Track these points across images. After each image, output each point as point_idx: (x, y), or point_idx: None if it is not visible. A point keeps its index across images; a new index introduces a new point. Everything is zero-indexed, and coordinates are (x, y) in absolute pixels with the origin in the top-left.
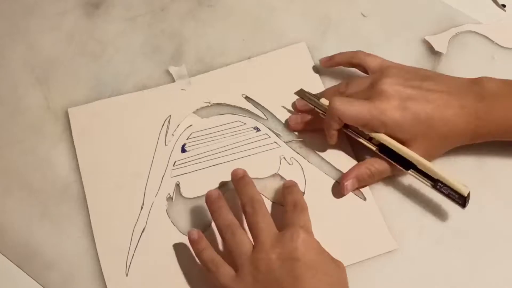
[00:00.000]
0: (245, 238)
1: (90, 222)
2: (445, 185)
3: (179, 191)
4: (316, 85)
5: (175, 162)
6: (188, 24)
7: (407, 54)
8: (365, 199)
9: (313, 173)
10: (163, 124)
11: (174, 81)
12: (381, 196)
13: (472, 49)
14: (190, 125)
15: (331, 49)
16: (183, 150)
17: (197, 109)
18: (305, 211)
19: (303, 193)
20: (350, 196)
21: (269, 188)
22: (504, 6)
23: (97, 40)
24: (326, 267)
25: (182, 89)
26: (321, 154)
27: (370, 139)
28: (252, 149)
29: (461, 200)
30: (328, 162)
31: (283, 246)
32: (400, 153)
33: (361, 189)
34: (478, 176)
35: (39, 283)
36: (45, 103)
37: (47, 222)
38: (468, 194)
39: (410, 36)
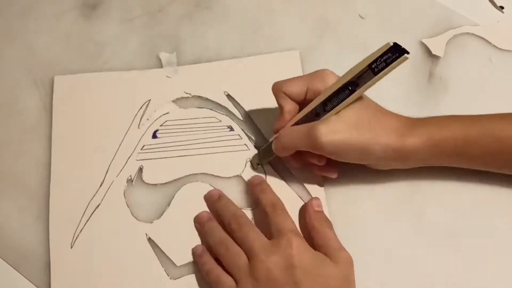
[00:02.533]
0: (239, 251)
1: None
2: (375, 61)
3: (141, 175)
4: None
5: (143, 146)
6: (185, 25)
7: None
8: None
9: (275, 182)
10: (141, 107)
11: (162, 66)
12: (377, 197)
13: (469, 51)
14: (167, 113)
15: (328, 51)
16: (154, 136)
17: (177, 98)
18: (285, 211)
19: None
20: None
21: (230, 189)
22: (502, 7)
23: (94, 41)
24: (322, 269)
25: (167, 76)
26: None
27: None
28: (221, 147)
29: (399, 50)
30: (292, 173)
31: (280, 255)
32: (333, 89)
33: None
34: (477, 176)
35: (35, 285)
36: (41, 105)
37: (43, 224)
38: (395, 44)
39: (408, 38)
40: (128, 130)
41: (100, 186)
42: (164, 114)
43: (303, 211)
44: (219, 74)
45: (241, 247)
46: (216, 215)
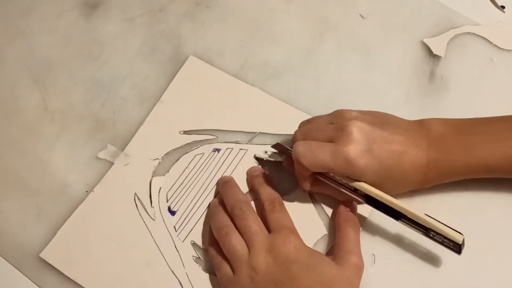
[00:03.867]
0: (240, 241)
1: None
2: (438, 233)
3: (199, 246)
4: (230, 82)
5: (174, 227)
6: (186, 25)
7: (405, 56)
8: None
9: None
10: (136, 204)
11: (112, 163)
12: None
13: (470, 51)
14: (160, 188)
15: (329, 51)
16: (172, 212)
17: (153, 171)
18: (284, 207)
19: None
20: None
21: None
22: (503, 7)
23: (94, 41)
24: (320, 268)
25: (125, 165)
26: (284, 133)
27: (355, 190)
28: (228, 168)
29: (456, 247)
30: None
31: (279, 251)
32: (390, 204)
33: None
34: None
35: (36, 284)
36: (42, 104)
37: (44, 223)
38: (463, 241)
39: (409, 38)
40: (148, 229)
41: (182, 286)
42: (159, 191)
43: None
44: (160, 126)
45: (242, 236)
46: (222, 201)
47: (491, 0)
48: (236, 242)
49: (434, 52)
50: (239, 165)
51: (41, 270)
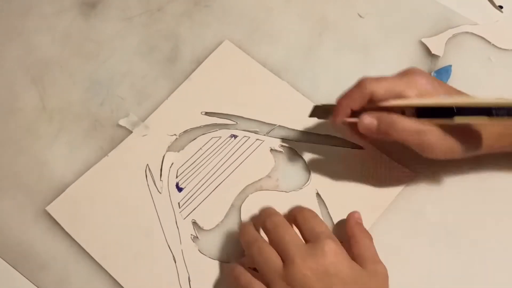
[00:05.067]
0: (273, 254)
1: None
2: (500, 108)
3: (199, 227)
4: (260, 72)
5: (179, 203)
6: (185, 24)
7: (404, 56)
8: (362, 148)
9: (307, 148)
10: (146, 175)
11: (130, 131)
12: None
13: (469, 50)
14: (172, 164)
15: (328, 50)
16: (179, 189)
17: (169, 146)
18: (316, 215)
19: (309, 170)
20: (349, 151)
21: (265, 188)
22: (501, 7)
23: (93, 40)
24: (360, 281)
25: (143, 136)
26: (301, 128)
27: (403, 113)
28: (241, 156)
29: None
30: (313, 133)
31: (317, 262)
32: (440, 105)
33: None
34: (475, 177)
35: (33, 283)
36: (40, 104)
37: (42, 222)
38: None
39: (407, 37)
40: (154, 202)
41: (175, 262)
42: (171, 167)
43: (343, 222)
44: (183, 103)
45: (276, 249)
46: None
47: (489, 0)
48: (270, 253)
49: (433, 52)
50: (253, 155)
51: (38, 269)
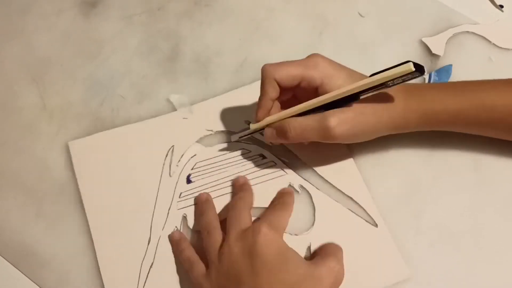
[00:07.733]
0: (219, 237)
1: (85, 221)
2: (394, 78)
3: (186, 223)
4: None
5: (180, 193)
6: (185, 23)
7: (404, 55)
8: (376, 225)
9: (322, 200)
10: (167, 155)
11: (175, 109)
12: (377, 197)
13: (469, 49)
14: (194, 155)
15: (328, 50)
16: (189, 181)
17: (200, 138)
18: (284, 210)
19: (313, 221)
20: (361, 223)
21: None
22: (501, 6)
23: (93, 39)
24: (286, 266)
25: (184, 118)
26: (330, 180)
27: (315, 110)
28: (258, 177)
29: (415, 74)
30: (337, 189)
31: (246, 240)
32: (348, 94)
33: (372, 215)
34: (474, 177)
35: (34, 282)
36: (40, 103)
37: (43, 221)
38: (415, 64)
39: (408, 37)
40: (160, 181)
41: (148, 243)
42: (192, 157)
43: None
44: (234, 104)
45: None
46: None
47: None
48: (215, 237)
49: (433, 51)
50: (270, 182)
51: (39, 267)
